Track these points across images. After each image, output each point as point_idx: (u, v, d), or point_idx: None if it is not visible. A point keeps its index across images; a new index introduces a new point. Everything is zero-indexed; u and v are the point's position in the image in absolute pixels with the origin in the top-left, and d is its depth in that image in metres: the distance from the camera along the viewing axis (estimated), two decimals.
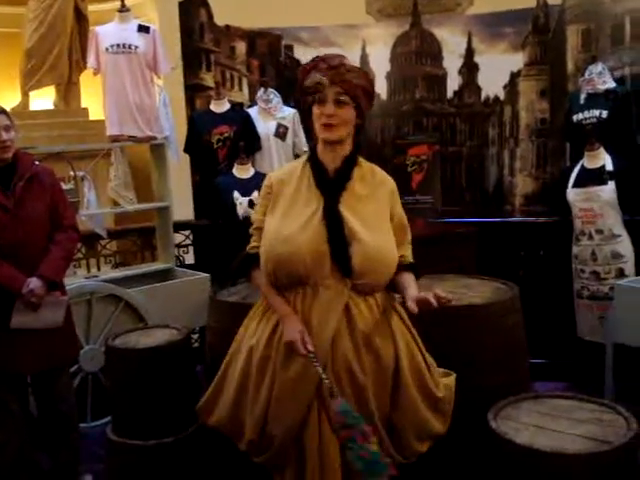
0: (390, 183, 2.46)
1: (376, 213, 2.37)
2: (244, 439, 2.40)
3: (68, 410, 3.45)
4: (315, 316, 2.28)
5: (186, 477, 3.10)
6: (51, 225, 3.28)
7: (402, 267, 2.39)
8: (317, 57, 2.38)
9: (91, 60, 4.71)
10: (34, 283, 3.12)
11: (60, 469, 3.49)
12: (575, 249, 4.38)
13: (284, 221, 2.33)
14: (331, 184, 2.36)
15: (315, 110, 2.31)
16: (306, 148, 5.26)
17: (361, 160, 2.43)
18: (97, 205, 4.51)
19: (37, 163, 3.41)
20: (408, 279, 2.37)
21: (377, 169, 2.48)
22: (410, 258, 2.46)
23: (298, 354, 2.22)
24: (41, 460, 3.57)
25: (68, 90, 6.80)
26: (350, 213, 2.31)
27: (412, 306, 2.18)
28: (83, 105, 6.86)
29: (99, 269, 5.00)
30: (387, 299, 2.42)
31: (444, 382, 2.48)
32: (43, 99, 6.85)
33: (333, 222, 2.29)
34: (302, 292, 2.31)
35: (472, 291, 3.22)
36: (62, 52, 6.61)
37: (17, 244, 3.14)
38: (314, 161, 2.41)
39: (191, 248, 5.44)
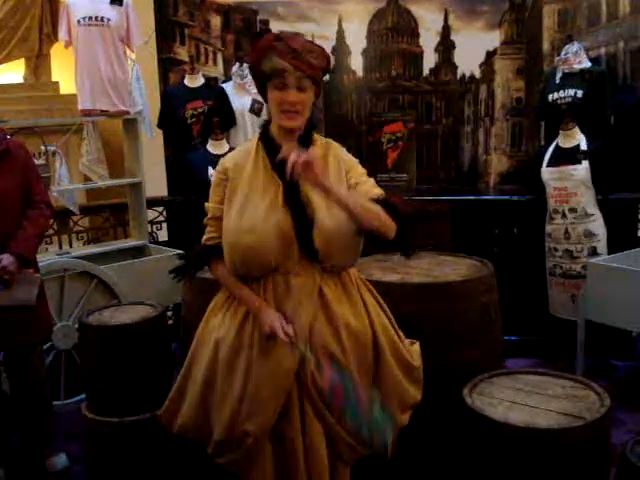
0: (343, 158, 2.31)
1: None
2: (212, 440, 2.32)
3: (40, 388, 3.43)
4: (289, 305, 2.21)
5: (162, 454, 3.09)
6: (24, 201, 3.23)
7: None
8: (271, 34, 2.23)
9: (62, 33, 4.60)
10: (6, 260, 3.06)
11: (32, 448, 3.47)
12: (548, 227, 4.42)
13: (245, 209, 2.21)
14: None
15: (274, 93, 2.17)
16: None
17: (316, 137, 2.31)
18: (69, 181, 4.45)
19: (9, 137, 3.35)
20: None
21: (331, 145, 2.34)
22: (375, 194, 2.24)
23: (281, 340, 2.14)
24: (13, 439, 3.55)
25: (38, 63, 6.67)
26: (310, 194, 2.18)
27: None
28: (54, 79, 6.73)
29: (71, 245, 4.94)
30: (357, 274, 2.40)
31: (415, 350, 2.48)
32: (13, 73, 6.71)
33: (296, 206, 2.19)
34: (272, 281, 2.23)
35: (447, 268, 3.24)
36: (33, 24, 6.47)
37: None
38: (267, 142, 2.28)
39: (165, 225, 5.40)
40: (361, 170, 2.32)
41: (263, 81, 2.21)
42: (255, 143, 2.31)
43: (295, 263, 2.21)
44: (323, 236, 2.16)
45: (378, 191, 2.25)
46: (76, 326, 3.70)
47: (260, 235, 2.16)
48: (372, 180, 2.32)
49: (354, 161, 2.34)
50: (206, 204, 2.36)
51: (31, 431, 3.46)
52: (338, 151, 2.33)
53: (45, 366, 3.57)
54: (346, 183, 2.25)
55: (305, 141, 2.25)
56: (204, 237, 2.36)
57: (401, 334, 2.45)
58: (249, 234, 2.16)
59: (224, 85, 5.19)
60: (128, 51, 4.74)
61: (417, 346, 2.50)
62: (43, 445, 3.48)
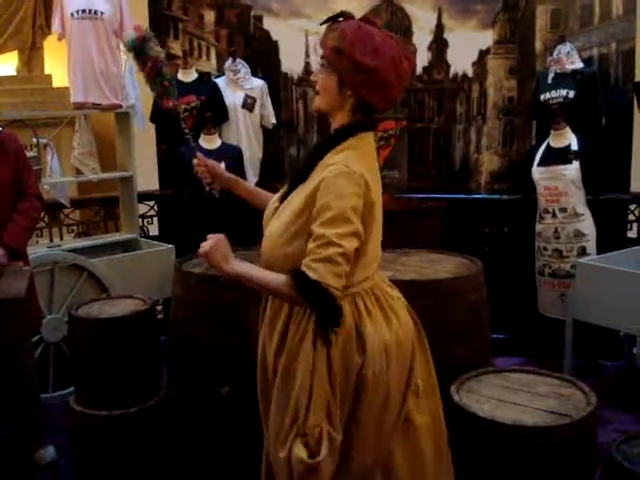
0: (323, 175, 1.92)
1: (292, 207, 2.00)
2: None
3: (29, 381, 3.42)
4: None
5: (150, 447, 3.09)
6: (15, 194, 3.22)
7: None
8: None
9: (56, 25, 4.60)
10: None
11: (21, 440, 3.46)
12: (538, 227, 4.44)
13: None
14: (295, 173, 2.11)
15: None
16: (274, 120, 5.23)
17: (345, 144, 1.98)
18: (60, 173, 4.45)
19: (1, 130, 3.34)
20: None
21: (335, 156, 1.97)
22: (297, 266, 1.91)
23: None
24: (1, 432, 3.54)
25: (31, 56, 6.64)
26: (284, 205, 2.05)
27: None
28: (47, 71, 6.71)
29: (62, 238, 4.93)
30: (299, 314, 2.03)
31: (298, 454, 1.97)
32: (5, 65, 6.68)
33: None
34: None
35: (437, 266, 3.25)
36: (26, 16, 6.45)
37: None
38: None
39: (156, 219, 5.40)
40: (328, 204, 1.87)
41: None
42: None
43: None
44: (262, 251, 2.08)
45: (310, 260, 1.88)
46: (65, 319, 3.70)
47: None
48: (329, 232, 1.86)
49: (329, 199, 1.88)
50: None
51: (20, 424, 3.46)
52: (328, 180, 1.90)
53: (34, 359, 3.57)
54: (303, 206, 1.95)
55: (323, 147, 2.03)
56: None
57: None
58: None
59: (217, 80, 5.20)
60: (121, 45, 4.72)
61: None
62: (32, 438, 3.48)
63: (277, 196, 2.15)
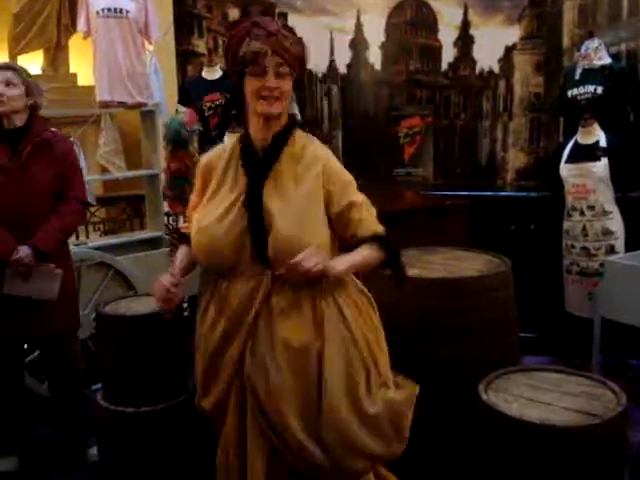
0: (321, 161, 2.19)
1: (308, 197, 2.14)
2: None
3: (78, 379, 3.45)
4: (233, 306, 2.18)
5: (177, 444, 3.10)
6: (55, 195, 3.22)
7: (359, 243, 2.16)
8: (247, 21, 2.14)
9: (81, 24, 4.62)
10: (23, 251, 3.07)
11: (71, 441, 3.50)
12: (566, 224, 4.39)
13: (207, 208, 2.20)
14: (258, 166, 2.17)
15: (251, 83, 2.10)
16: (299, 117, 5.22)
17: (297, 135, 2.22)
18: (86, 172, 4.47)
19: (52, 130, 3.35)
20: (355, 250, 2.16)
21: (311, 145, 2.23)
22: (366, 233, 2.16)
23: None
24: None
25: (57, 54, 6.69)
26: (274, 198, 2.12)
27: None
28: (72, 70, 6.76)
29: (88, 236, 4.97)
30: (327, 292, 2.19)
31: (389, 396, 2.23)
32: (31, 63, 6.73)
33: (254, 209, 2.12)
34: (227, 281, 2.20)
35: (464, 263, 3.23)
36: (51, 15, 6.49)
37: (16, 210, 3.09)
38: (244, 140, 2.22)
39: (181, 217, 5.41)
40: (346, 178, 2.21)
41: (241, 72, 2.14)
42: (234, 143, 2.27)
43: (247, 267, 2.15)
44: (276, 245, 2.09)
45: (370, 222, 2.19)
46: (92, 316, 3.72)
47: (211, 237, 2.14)
48: (361, 198, 2.21)
49: (337, 167, 2.21)
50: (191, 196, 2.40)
51: (72, 422, 3.49)
52: (319, 151, 2.22)
53: (79, 360, 3.53)
54: (321, 198, 2.15)
55: (280, 140, 2.18)
56: (182, 224, 2.45)
57: (383, 371, 2.26)
58: (202, 234, 2.16)
59: None
60: (146, 43, 4.75)
61: (406, 392, 2.29)
62: (84, 435, 3.49)
63: (221, 203, 2.19)
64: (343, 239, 2.20)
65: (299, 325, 2.15)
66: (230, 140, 2.36)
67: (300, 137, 2.22)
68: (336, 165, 2.22)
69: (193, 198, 2.35)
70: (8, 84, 3.11)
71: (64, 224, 3.23)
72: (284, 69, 2.10)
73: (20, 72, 3.19)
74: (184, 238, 2.37)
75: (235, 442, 2.25)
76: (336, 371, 2.14)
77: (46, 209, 3.17)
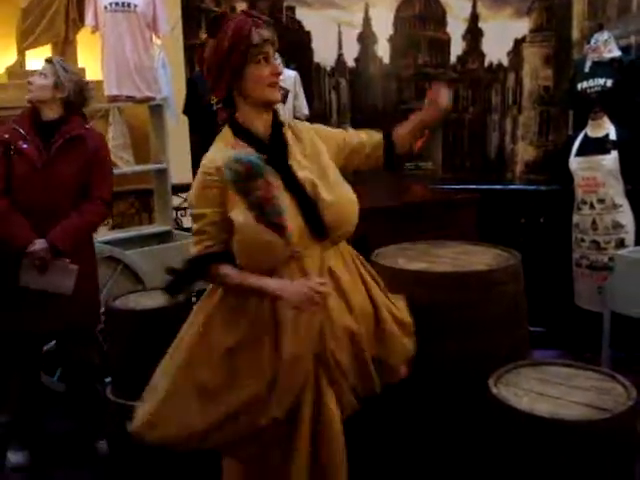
0: (310, 129, 2.36)
1: (325, 164, 2.26)
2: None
3: (90, 376, 3.46)
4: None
5: None
6: (79, 192, 3.23)
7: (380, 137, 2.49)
8: (241, 15, 2.19)
9: (89, 18, 4.64)
10: (39, 244, 3.10)
11: (83, 435, 3.53)
12: (576, 218, 4.38)
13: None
14: (273, 153, 2.19)
15: (258, 69, 2.14)
16: (307, 111, 5.21)
17: (282, 120, 2.33)
18: None
19: (88, 126, 3.36)
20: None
21: (292, 122, 2.40)
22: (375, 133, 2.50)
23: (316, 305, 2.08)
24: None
25: (65, 49, 6.67)
26: (305, 173, 2.19)
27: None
28: (80, 65, 6.76)
29: (96, 231, 4.97)
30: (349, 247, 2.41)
31: (403, 307, 2.49)
32: (40, 58, 6.74)
33: (296, 190, 2.16)
34: (288, 269, 2.17)
35: (473, 257, 3.21)
36: (59, 10, 6.48)
37: (39, 203, 3.12)
38: (244, 134, 2.22)
39: (189, 211, 5.41)
40: (333, 128, 2.49)
41: (241, 63, 2.14)
42: (227, 140, 2.25)
43: (307, 246, 2.18)
44: (331, 209, 2.17)
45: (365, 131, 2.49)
46: (102, 310, 3.72)
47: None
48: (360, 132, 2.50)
49: (322, 126, 2.45)
50: (196, 211, 2.21)
51: (88, 415, 3.51)
52: (299, 124, 2.40)
53: (96, 354, 3.53)
54: (331, 159, 2.31)
55: (279, 126, 2.28)
56: (198, 248, 2.19)
57: (389, 295, 2.48)
58: (264, 231, 2.07)
59: None
60: (154, 37, 4.74)
61: (403, 302, 2.51)
62: (98, 428, 3.50)
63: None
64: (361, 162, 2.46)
65: (355, 285, 2.31)
66: (223, 137, 2.30)
67: (285, 120, 2.37)
68: (320, 125, 2.44)
69: (212, 210, 2.17)
70: (40, 74, 3.19)
71: (83, 223, 3.25)
72: (281, 60, 2.20)
73: (54, 64, 3.23)
74: (221, 257, 2.18)
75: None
76: (384, 309, 2.37)
77: (69, 205, 3.19)
